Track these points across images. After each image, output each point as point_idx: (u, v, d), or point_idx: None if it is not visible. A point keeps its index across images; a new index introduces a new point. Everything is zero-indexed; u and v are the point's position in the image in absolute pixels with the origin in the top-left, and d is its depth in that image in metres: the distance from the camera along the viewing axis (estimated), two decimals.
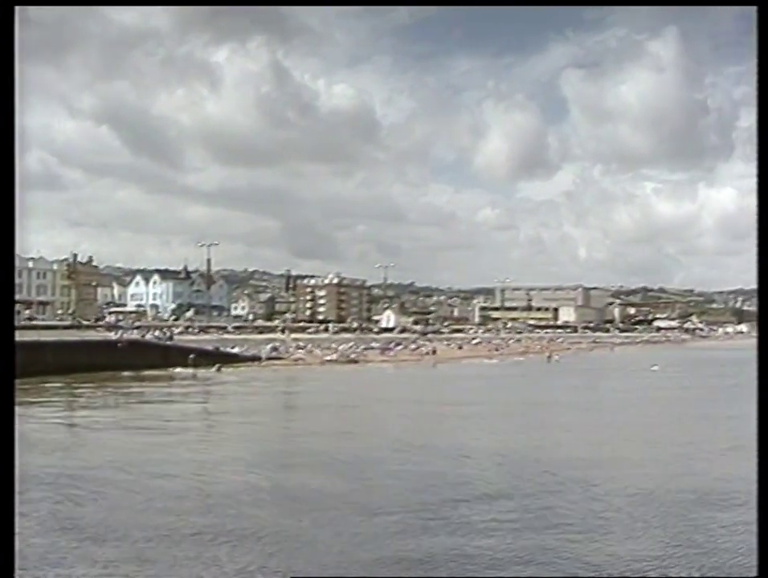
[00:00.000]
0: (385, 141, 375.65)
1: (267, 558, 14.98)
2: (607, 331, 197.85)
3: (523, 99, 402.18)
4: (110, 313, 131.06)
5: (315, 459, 26.40)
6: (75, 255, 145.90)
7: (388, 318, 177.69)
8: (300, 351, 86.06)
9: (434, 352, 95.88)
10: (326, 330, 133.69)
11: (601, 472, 24.24)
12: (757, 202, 5.26)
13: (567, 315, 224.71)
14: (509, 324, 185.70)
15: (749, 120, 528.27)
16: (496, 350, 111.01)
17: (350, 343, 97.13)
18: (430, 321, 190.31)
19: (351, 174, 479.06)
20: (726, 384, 62.31)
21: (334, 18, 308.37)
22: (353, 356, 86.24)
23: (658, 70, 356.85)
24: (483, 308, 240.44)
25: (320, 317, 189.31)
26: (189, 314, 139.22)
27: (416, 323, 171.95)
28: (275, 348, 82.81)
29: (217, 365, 65.23)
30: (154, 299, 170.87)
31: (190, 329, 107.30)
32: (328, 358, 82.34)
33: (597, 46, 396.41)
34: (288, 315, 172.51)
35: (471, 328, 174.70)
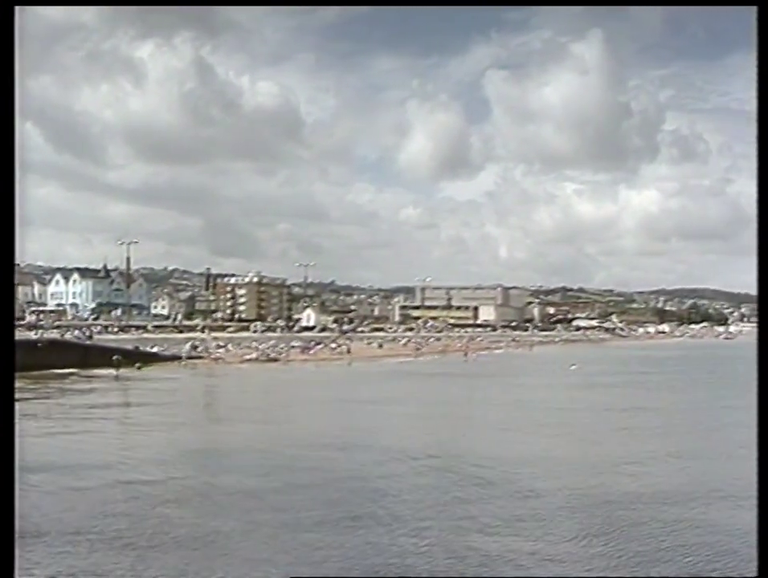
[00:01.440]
0: (308, 139, 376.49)
1: None
2: (527, 330, 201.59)
3: (447, 99, 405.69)
4: (30, 312, 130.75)
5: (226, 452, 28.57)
6: None
7: (308, 317, 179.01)
8: (221, 350, 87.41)
9: (348, 351, 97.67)
10: (246, 329, 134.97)
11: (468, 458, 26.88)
12: (757, 202, 5.32)
13: (487, 314, 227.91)
14: (429, 323, 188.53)
15: (673, 123, 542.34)
16: (417, 349, 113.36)
17: (271, 342, 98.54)
18: (351, 320, 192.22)
19: (274, 172, 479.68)
20: (640, 380, 66.20)
21: (262, 14, 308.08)
22: (273, 355, 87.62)
23: (582, 72, 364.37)
24: (403, 307, 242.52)
25: (241, 316, 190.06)
26: (117, 313, 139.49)
27: (336, 321, 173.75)
28: (195, 347, 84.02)
29: (137, 364, 66.26)
30: (74, 297, 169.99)
31: (110, 328, 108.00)
32: (248, 357, 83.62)
33: (520, 48, 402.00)
34: (209, 314, 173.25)
35: (392, 327, 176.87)
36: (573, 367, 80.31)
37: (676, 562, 15.58)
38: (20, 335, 78.28)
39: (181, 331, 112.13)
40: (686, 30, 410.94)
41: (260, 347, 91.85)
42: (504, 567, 15.04)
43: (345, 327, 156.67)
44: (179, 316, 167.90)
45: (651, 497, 21.30)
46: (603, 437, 33.76)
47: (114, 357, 64.60)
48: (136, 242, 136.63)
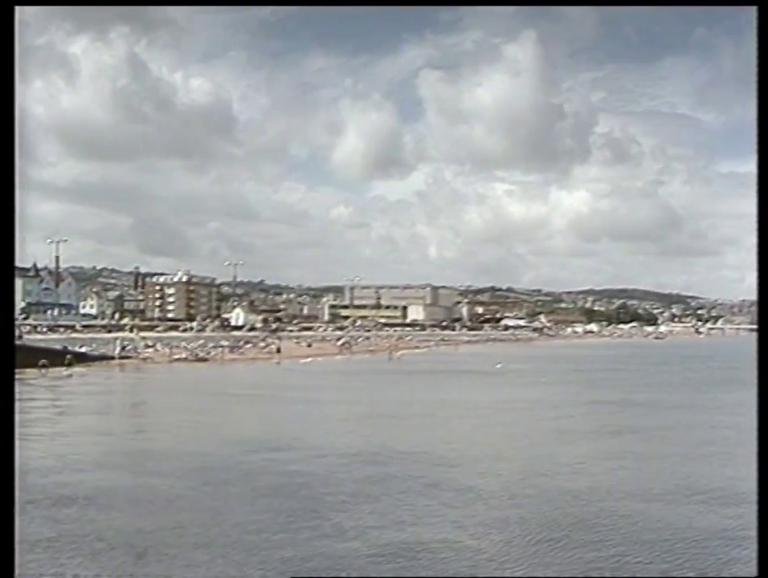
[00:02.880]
0: (240, 138, 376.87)
1: None
2: (455, 329, 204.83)
3: (380, 99, 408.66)
4: None
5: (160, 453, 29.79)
6: None
7: (237, 316, 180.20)
8: (149, 349, 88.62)
9: (278, 350, 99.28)
10: (176, 328, 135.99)
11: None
12: (757, 202, 5.47)
13: (416, 313, 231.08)
14: (359, 322, 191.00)
15: (606, 125, 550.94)
16: (347, 348, 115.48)
17: (200, 342, 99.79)
18: (280, 319, 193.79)
19: (205, 170, 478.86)
20: (564, 378, 69.35)
21: (196, 10, 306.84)
22: (202, 354, 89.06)
23: (515, 73, 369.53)
24: (332, 306, 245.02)
25: (170, 315, 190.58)
26: (54, 313, 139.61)
27: (265, 321, 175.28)
28: (124, 347, 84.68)
29: (65, 364, 67.13)
30: None
31: (39, 328, 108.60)
32: (177, 357, 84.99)
33: (453, 48, 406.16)
34: (138, 313, 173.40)
35: (321, 326, 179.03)
36: (498, 365, 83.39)
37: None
38: None
39: (109, 331, 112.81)
40: (620, 33, 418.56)
41: (189, 346, 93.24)
42: None
43: (274, 326, 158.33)
44: (108, 315, 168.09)
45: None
46: (511, 431, 36.38)
47: (41, 362, 65.01)
48: (66, 241, 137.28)
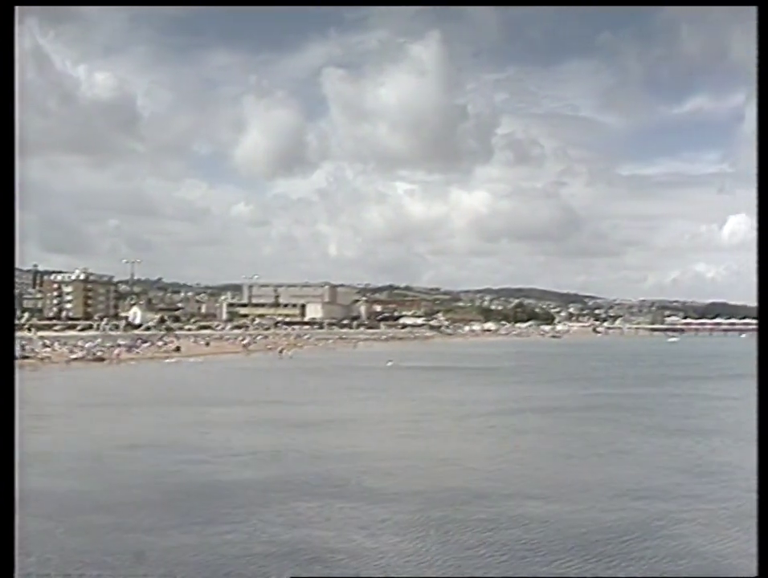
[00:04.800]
0: (143, 133, 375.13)
1: None
2: (353, 327, 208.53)
3: (283, 96, 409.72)
4: None
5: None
6: None
7: (135, 314, 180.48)
8: (47, 349, 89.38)
9: (177, 349, 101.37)
10: (73, 327, 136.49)
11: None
12: (757, 203, 5.39)
13: (314, 311, 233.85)
14: (257, 321, 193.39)
15: (508, 127, 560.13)
16: (246, 346, 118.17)
17: (97, 341, 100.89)
18: (178, 317, 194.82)
19: (107, 166, 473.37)
20: (449, 375, 73.79)
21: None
22: (99, 353, 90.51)
23: (419, 73, 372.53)
24: (230, 305, 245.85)
25: (68, 314, 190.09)
26: None
27: (163, 319, 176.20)
28: (22, 347, 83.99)
29: None
30: None
31: None
32: (74, 356, 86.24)
33: (358, 47, 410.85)
34: (36, 312, 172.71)
35: (219, 325, 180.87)
36: (389, 363, 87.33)
37: None
38: None
39: None
40: (524, 35, 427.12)
41: (86, 346, 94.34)
42: None
43: (172, 324, 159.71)
44: None
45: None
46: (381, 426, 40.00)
47: None
48: None
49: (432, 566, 16.24)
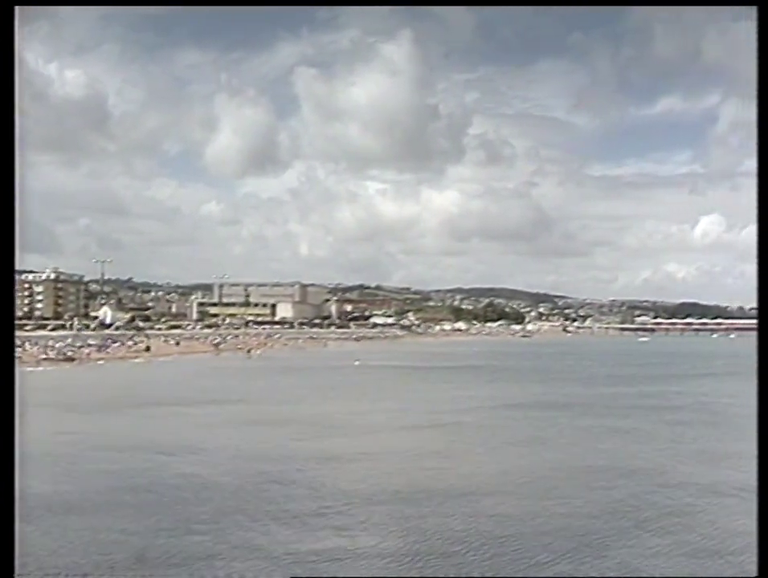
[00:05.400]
0: (114, 132, 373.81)
1: None
2: (323, 327, 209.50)
3: (255, 95, 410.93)
4: None
5: None
6: None
7: (105, 314, 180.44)
8: (18, 349, 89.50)
9: (148, 349, 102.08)
10: (44, 327, 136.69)
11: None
12: (757, 202, 5.35)
13: (285, 311, 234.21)
14: (227, 320, 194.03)
15: (480, 127, 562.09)
16: (217, 346, 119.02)
17: (68, 341, 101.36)
18: (148, 317, 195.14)
19: (78, 165, 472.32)
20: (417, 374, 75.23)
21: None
22: (70, 353, 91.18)
23: (391, 73, 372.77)
24: (201, 304, 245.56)
25: (39, 313, 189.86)
26: None
27: (133, 319, 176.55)
28: None
29: None
30: None
31: None
32: (45, 356, 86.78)
33: (329, 46, 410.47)
34: None
35: (189, 324, 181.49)
36: (357, 362, 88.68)
37: None
38: None
39: None
40: (496, 35, 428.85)
41: (57, 346, 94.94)
42: None
43: (142, 324, 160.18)
44: None
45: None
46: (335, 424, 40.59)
47: None
48: None
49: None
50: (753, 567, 6.18)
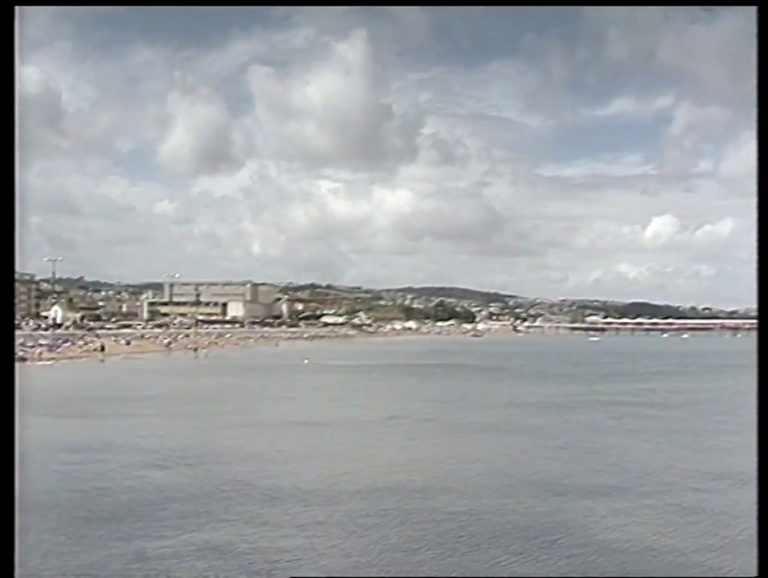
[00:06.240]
0: (67, 129, 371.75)
1: None
2: (275, 326, 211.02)
3: (209, 93, 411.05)
4: None
5: None
6: None
7: (56, 314, 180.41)
8: None
9: (99, 348, 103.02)
10: None
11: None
12: (757, 202, 5.32)
13: (236, 310, 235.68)
14: (178, 320, 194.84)
15: (433, 127, 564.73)
16: (168, 346, 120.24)
17: (18, 341, 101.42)
18: (99, 316, 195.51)
19: (30, 163, 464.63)
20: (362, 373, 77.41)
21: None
22: (21, 353, 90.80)
23: (345, 72, 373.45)
24: (152, 303, 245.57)
25: None
26: None
27: (83, 318, 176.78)
28: None
29: None
30: None
31: None
32: None
33: (283, 45, 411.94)
34: None
35: (140, 324, 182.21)
36: (306, 361, 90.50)
37: None
38: None
39: None
40: (449, 35, 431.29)
41: None
42: None
43: (93, 323, 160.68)
44: None
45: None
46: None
47: None
48: None
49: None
50: None
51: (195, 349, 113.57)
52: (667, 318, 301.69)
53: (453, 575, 16.25)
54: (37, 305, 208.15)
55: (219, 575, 16.08)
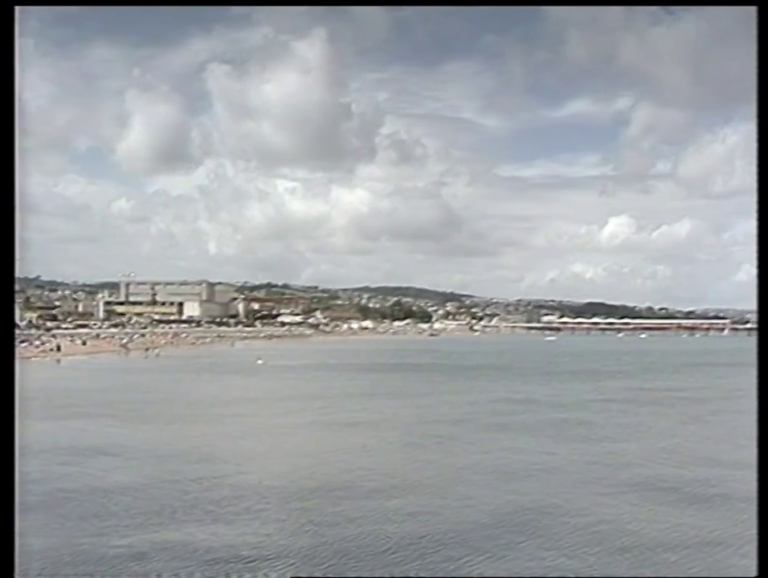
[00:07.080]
0: (27, 127, 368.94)
1: None
2: (231, 325, 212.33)
3: (167, 91, 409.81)
4: None
5: None
6: None
7: None
8: None
9: (59, 348, 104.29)
10: None
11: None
12: (757, 202, 5.39)
13: (192, 309, 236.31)
14: (134, 319, 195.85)
15: (392, 126, 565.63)
16: (125, 346, 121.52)
17: None
18: (55, 316, 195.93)
19: None
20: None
21: None
22: None
23: (303, 71, 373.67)
24: (108, 303, 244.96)
25: None
26: None
27: (40, 318, 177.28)
28: None
29: None
30: None
31: None
32: None
33: (242, 44, 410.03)
34: None
35: (96, 324, 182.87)
36: (260, 361, 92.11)
37: None
38: None
39: None
40: (409, 36, 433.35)
41: None
42: None
43: (49, 323, 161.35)
44: None
45: None
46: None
47: None
48: None
49: None
50: None
51: (146, 349, 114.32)
52: (623, 318, 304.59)
53: (450, 576, 16.25)
54: None
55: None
